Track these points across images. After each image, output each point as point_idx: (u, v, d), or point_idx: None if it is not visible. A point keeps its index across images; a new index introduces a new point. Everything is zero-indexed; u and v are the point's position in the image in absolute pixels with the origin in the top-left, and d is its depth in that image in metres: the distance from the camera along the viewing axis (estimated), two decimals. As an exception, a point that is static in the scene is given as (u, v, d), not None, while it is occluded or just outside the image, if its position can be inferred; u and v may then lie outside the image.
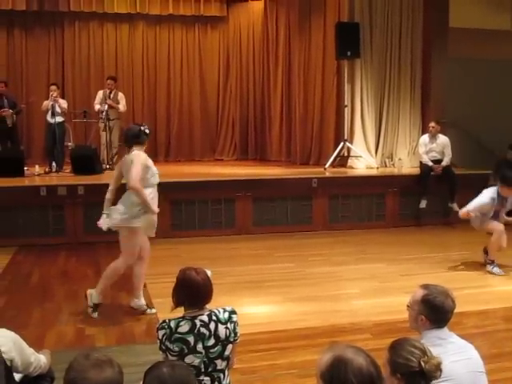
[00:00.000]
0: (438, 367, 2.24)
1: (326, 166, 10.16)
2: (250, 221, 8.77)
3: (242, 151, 13.96)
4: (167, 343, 2.93)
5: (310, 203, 9.00)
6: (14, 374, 2.98)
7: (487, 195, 6.61)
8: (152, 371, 2.07)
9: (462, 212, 6.60)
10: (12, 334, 2.93)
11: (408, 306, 2.90)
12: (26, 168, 9.60)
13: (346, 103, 10.57)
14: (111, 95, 10.62)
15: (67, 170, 9.84)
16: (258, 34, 13.70)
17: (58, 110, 10.19)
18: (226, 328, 2.99)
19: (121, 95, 10.81)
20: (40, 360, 3.11)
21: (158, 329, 2.99)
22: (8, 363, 2.85)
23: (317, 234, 8.74)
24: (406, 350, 2.27)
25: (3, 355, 2.82)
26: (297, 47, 12.05)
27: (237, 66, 13.98)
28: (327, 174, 9.74)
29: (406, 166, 10.44)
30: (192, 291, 3.01)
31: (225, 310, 3.05)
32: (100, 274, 5.87)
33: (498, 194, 6.56)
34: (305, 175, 9.42)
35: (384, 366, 2.25)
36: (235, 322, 3.04)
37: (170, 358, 2.94)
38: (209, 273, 3.12)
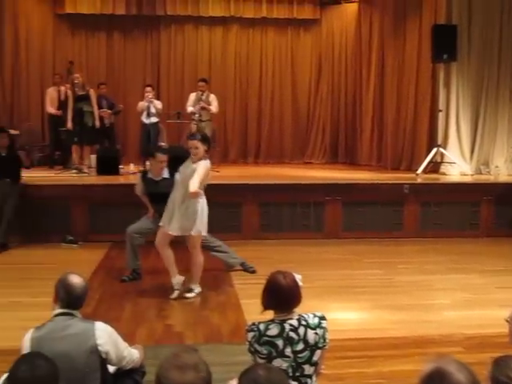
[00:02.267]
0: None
1: (418, 171, 9.92)
2: (339, 225, 8.69)
3: (332, 155, 13.86)
4: (256, 345, 2.94)
5: (400, 209, 8.82)
6: (108, 367, 3.09)
7: None
8: (248, 374, 2.07)
9: None
10: (108, 327, 3.04)
11: (507, 321, 2.77)
12: (121, 166, 9.93)
13: (440, 108, 10.29)
14: (203, 97, 10.79)
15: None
16: (351, 37, 13.57)
17: (153, 110, 10.48)
18: (316, 333, 2.96)
19: (212, 97, 10.97)
20: (133, 354, 3.21)
21: (247, 331, 3.00)
22: (103, 356, 2.96)
23: (407, 241, 8.54)
24: (511, 367, 2.16)
25: (99, 348, 2.93)
26: (390, 50, 11.86)
27: (329, 69, 13.90)
28: (419, 180, 9.51)
29: (502, 173, 10.04)
30: (278, 295, 3.00)
31: (315, 315, 3.02)
32: (189, 270, 6.01)
33: None
34: (396, 181, 9.24)
35: (485, 382, 2.15)
36: (325, 328, 3.01)
37: (259, 360, 2.94)
38: (298, 277, 3.10)
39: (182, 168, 5.71)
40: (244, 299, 5.62)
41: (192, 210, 5.54)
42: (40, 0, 13.07)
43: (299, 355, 2.92)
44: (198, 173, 5.39)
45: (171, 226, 5.63)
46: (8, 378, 2.27)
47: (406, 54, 11.47)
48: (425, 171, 10.03)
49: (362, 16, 13.05)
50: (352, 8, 13.55)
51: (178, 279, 5.85)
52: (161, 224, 5.77)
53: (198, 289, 5.90)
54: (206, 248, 6.42)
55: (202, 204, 5.64)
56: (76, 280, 3.07)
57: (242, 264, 6.74)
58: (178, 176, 5.72)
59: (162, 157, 6.12)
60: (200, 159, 5.55)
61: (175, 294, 5.81)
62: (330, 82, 13.86)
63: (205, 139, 5.66)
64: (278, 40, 14.03)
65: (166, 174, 6.30)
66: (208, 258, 6.38)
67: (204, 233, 5.76)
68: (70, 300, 3.02)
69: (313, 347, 2.95)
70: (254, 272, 6.64)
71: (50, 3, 13.16)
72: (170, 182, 5.92)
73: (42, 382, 2.22)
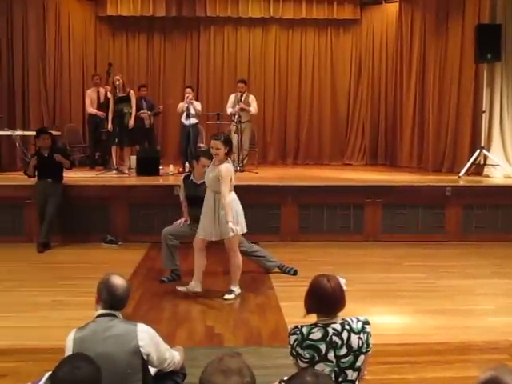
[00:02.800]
0: None
1: (461, 174, 9.75)
2: (379, 227, 8.58)
3: (372, 156, 13.74)
4: (298, 349, 2.91)
5: (442, 212, 8.67)
6: (150, 368, 3.09)
7: None
8: (295, 379, 2.05)
9: None
10: (150, 329, 3.03)
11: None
12: (160, 167, 9.99)
13: (484, 109, 10.10)
14: (242, 98, 10.79)
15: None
16: (392, 37, 13.44)
17: (192, 112, 10.51)
18: (359, 338, 2.91)
19: (252, 97, 10.97)
20: (174, 356, 3.20)
21: (289, 334, 2.97)
22: (145, 357, 2.96)
23: (449, 245, 8.38)
24: None
25: (141, 349, 2.93)
26: (432, 50, 11.68)
27: (369, 70, 13.79)
28: (461, 183, 9.33)
29: (549, 176, 9.80)
30: (322, 299, 2.97)
31: (358, 320, 2.98)
32: (229, 272, 6.00)
33: None
34: (438, 183, 9.09)
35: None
36: (368, 333, 2.96)
37: (301, 364, 2.91)
38: (342, 281, 3.06)
39: (207, 171, 5.76)
40: (284, 301, 5.59)
41: (224, 214, 5.53)
42: (82, 3, 13.29)
43: (342, 360, 2.88)
44: (224, 182, 5.47)
45: (205, 232, 5.71)
46: (50, 378, 2.28)
47: (449, 54, 11.28)
48: (467, 173, 9.86)
49: (403, 16, 12.90)
50: (393, 8, 13.42)
51: (196, 285, 5.83)
52: (201, 236, 5.81)
53: (237, 290, 5.89)
54: (244, 253, 6.43)
55: (234, 206, 5.65)
56: (118, 281, 3.07)
57: (281, 267, 6.70)
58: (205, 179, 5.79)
59: (206, 161, 6.11)
60: (221, 161, 5.58)
61: (183, 288, 5.82)
62: (369, 82, 13.75)
63: (227, 141, 5.67)
64: (318, 41, 13.99)
65: None
66: (247, 259, 6.38)
67: (241, 231, 5.74)
68: (112, 301, 3.03)
69: (356, 352, 2.90)
70: (295, 273, 6.59)
71: (92, 6, 13.38)
72: None
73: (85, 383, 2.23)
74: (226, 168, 5.56)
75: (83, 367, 2.25)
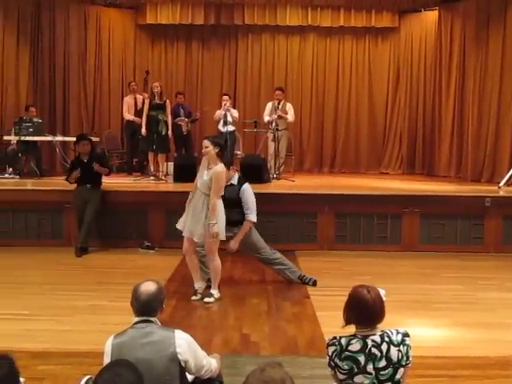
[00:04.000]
0: None
1: (501, 184, 9.59)
2: (417, 238, 8.48)
3: (409, 165, 13.58)
4: (337, 360, 2.88)
5: (481, 223, 8.52)
6: (187, 375, 3.09)
7: None
8: None
9: None
10: (188, 336, 3.03)
11: None
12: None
13: (525, 118, 9.94)
14: (280, 106, 10.79)
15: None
16: (431, 45, 13.28)
17: (229, 119, 10.56)
18: (399, 351, 2.87)
19: (289, 105, 10.97)
20: (211, 364, 3.20)
21: (328, 345, 2.94)
22: (182, 364, 2.96)
23: (488, 256, 8.23)
24: None
25: (178, 356, 2.93)
26: (472, 58, 11.51)
27: (407, 78, 13.65)
28: (501, 193, 9.17)
29: None
30: (362, 310, 2.93)
31: (398, 332, 2.93)
32: (264, 280, 6.00)
33: None
34: (477, 193, 8.94)
35: None
36: (408, 345, 2.92)
37: (339, 375, 2.88)
38: (382, 292, 3.03)
39: (200, 170, 5.94)
40: (320, 311, 5.55)
41: (207, 217, 5.70)
42: (123, 11, 13.47)
43: (381, 372, 2.84)
44: (214, 189, 5.68)
45: (189, 231, 5.85)
46: None
47: (489, 62, 11.11)
48: (507, 184, 9.69)
49: (442, 23, 12.74)
50: (432, 15, 13.27)
51: (200, 284, 6.05)
52: (178, 227, 6.01)
53: (217, 294, 5.96)
54: (264, 262, 6.44)
55: (219, 210, 5.77)
56: (145, 287, 3.05)
57: (301, 277, 6.60)
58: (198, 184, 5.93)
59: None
60: (214, 162, 5.76)
61: (198, 296, 5.96)
62: (407, 91, 13.61)
63: (216, 142, 5.86)
64: (356, 49, 13.91)
65: (235, 179, 6.40)
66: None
67: (222, 237, 5.85)
68: (138, 307, 3.02)
69: (396, 365, 2.86)
70: (315, 283, 6.52)
71: (132, 14, 13.55)
72: (234, 188, 6.22)
73: None
74: (218, 171, 5.72)
75: (124, 374, 2.25)
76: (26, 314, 5.37)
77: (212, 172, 5.73)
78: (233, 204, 6.14)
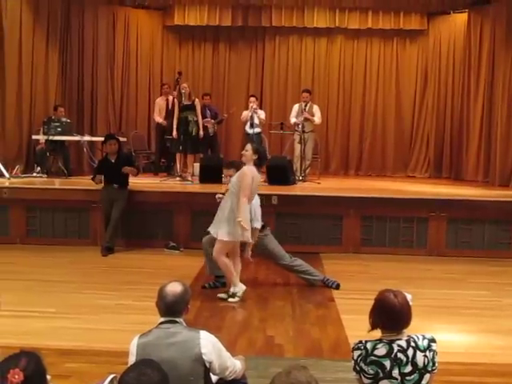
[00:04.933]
0: None
1: (529, 189, 9.47)
2: (444, 242, 8.39)
3: (436, 169, 13.44)
4: (362, 364, 2.86)
5: (509, 228, 8.41)
6: (211, 376, 3.09)
7: None
8: None
9: None
10: (212, 337, 3.04)
11: None
12: (223, 175, 10.05)
13: (555, 122, 9.79)
14: (306, 108, 10.77)
15: (262, 180, 10.11)
16: (459, 48, 13.14)
17: (256, 121, 10.56)
18: (425, 356, 2.84)
19: (316, 107, 10.94)
20: (236, 365, 3.19)
21: (353, 349, 2.92)
22: (207, 365, 2.96)
23: (516, 262, 8.14)
24: None
25: (203, 356, 2.93)
26: (502, 61, 11.37)
27: (435, 81, 13.52)
28: (530, 198, 9.05)
29: None
30: (388, 314, 2.90)
31: (424, 337, 2.90)
32: (289, 283, 5.98)
33: None
34: (505, 198, 8.83)
35: None
36: (434, 351, 2.89)
37: (364, 380, 2.86)
38: (409, 297, 3.00)
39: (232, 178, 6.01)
40: (345, 314, 5.52)
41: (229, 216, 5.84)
42: (151, 13, 13.56)
43: (407, 378, 2.81)
44: (241, 188, 5.73)
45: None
46: (117, 382, 2.30)
47: (519, 66, 10.98)
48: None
49: (471, 26, 12.60)
50: (461, 18, 13.13)
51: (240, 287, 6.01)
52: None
53: (237, 289, 5.94)
54: (286, 268, 6.42)
55: (244, 211, 5.78)
56: (171, 288, 3.06)
57: (324, 280, 6.57)
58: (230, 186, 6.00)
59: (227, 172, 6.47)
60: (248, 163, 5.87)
61: (223, 295, 6.00)
62: (435, 94, 13.48)
63: (257, 150, 5.97)
64: (383, 51, 13.83)
65: None
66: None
67: (226, 238, 5.87)
68: (164, 308, 3.03)
69: (421, 370, 2.83)
70: (338, 287, 6.49)
71: (160, 15, 13.64)
72: None
73: None
74: (245, 170, 5.82)
75: (149, 374, 2.26)
76: (52, 312, 5.43)
77: (239, 171, 5.82)
78: None
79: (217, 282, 6.42)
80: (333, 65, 13.85)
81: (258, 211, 6.17)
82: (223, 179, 6.50)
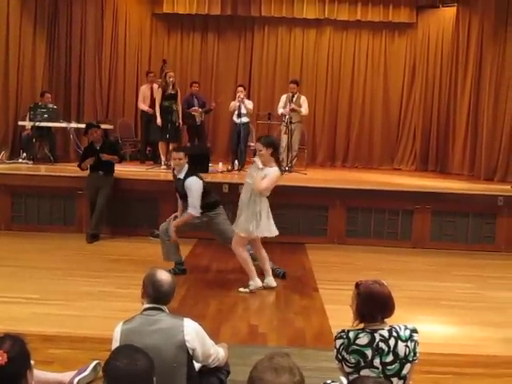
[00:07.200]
0: None
1: (514, 183, 9.54)
2: (428, 235, 8.46)
3: (422, 162, 13.50)
4: (344, 353, 2.89)
5: (493, 222, 8.48)
6: (194, 363, 3.10)
7: None
8: None
9: None
10: (196, 324, 3.05)
11: None
12: (210, 164, 10.05)
13: (541, 117, 9.85)
14: (294, 98, 10.76)
15: (247, 169, 10.12)
16: (448, 42, 13.17)
17: (243, 111, 10.54)
18: (406, 346, 2.87)
19: (303, 98, 10.93)
20: (219, 353, 3.21)
21: (335, 338, 2.95)
22: (190, 352, 2.98)
23: (499, 255, 8.20)
24: None
25: (187, 344, 2.95)
26: (489, 56, 11.41)
27: (423, 74, 13.56)
28: (515, 193, 9.12)
29: None
30: (373, 304, 2.93)
31: (406, 328, 2.93)
32: (274, 273, 5.99)
33: None
34: (490, 192, 8.90)
35: None
36: (416, 341, 2.92)
37: (346, 368, 2.89)
38: None
39: (251, 171, 5.88)
40: (328, 304, 5.56)
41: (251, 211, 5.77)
42: (139, 0, 13.45)
43: (388, 367, 2.84)
44: (270, 177, 5.70)
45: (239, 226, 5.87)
46: (106, 369, 2.28)
47: (506, 60, 11.01)
48: (521, 183, 9.63)
49: (460, 20, 12.65)
50: (450, 12, 13.16)
51: (255, 283, 5.98)
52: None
53: (252, 286, 5.94)
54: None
55: (263, 207, 5.83)
56: (164, 276, 3.09)
57: (273, 269, 6.45)
58: (248, 179, 5.90)
59: None
60: (268, 162, 5.75)
61: (243, 289, 5.95)
62: (423, 87, 13.52)
63: (267, 143, 5.78)
64: (372, 43, 13.83)
65: (182, 174, 6.46)
66: (293, 262, 6.33)
67: (243, 234, 5.86)
68: (158, 296, 3.05)
69: (403, 360, 2.86)
70: (284, 276, 6.47)
71: (148, 3, 13.55)
72: (180, 182, 6.37)
73: (142, 376, 2.24)
74: (275, 172, 5.81)
75: (141, 359, 2.27)
76: (35, 298, 5.41)
77: (266, 171, 5.74)
78: (183, 197, 6.39)
79: (177, 268, 6.41)
80: (321, 56, 13.83)
81: (196, 198, 6.23)
82: (173, 162, 6.39)
